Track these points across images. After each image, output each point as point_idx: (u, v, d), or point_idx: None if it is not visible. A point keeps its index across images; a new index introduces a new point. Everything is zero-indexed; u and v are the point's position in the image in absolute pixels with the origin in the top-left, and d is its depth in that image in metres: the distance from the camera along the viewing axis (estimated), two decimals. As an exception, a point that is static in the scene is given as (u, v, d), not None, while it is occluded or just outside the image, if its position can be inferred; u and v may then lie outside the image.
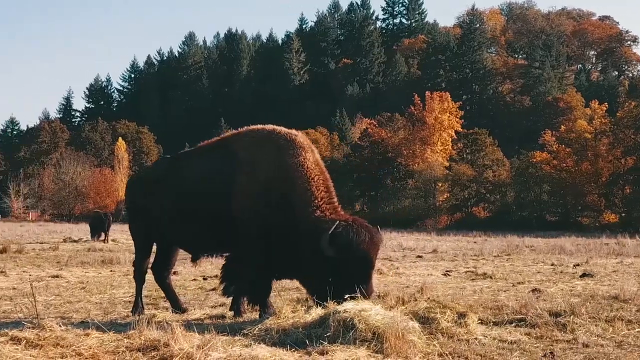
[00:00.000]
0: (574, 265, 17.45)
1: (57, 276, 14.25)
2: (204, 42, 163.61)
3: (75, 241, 31.86)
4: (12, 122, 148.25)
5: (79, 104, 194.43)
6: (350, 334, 6.38)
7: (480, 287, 12.41)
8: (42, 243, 28.53)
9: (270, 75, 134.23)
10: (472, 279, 13.94)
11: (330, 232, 7.88)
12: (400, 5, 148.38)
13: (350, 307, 6.77)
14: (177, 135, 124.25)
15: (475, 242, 33.24)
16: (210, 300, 10.67)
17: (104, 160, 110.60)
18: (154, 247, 10.14)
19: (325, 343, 6.25)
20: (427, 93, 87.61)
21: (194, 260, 10.01)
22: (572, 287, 12.37)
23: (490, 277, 14.07)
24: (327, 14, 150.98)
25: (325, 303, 7.34)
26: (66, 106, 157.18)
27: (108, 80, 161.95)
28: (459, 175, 76.95)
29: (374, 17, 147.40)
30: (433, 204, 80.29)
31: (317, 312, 7.06)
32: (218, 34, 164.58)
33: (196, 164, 9.60)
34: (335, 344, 6.22)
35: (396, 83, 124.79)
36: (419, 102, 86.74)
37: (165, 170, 10.06)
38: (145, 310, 9.56)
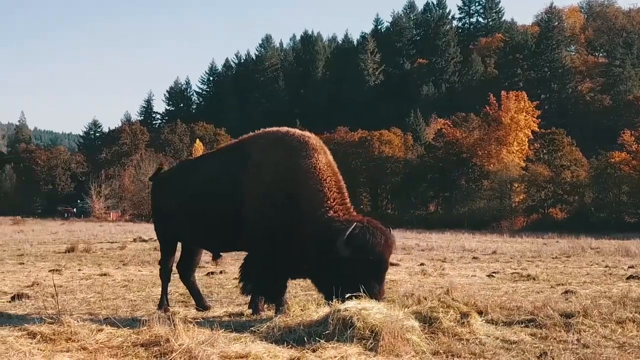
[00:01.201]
0: (628, 267, 17.05)
1: (105, 274, 14.67)
2: (281, 44, 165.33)
3: (144, 241, 32.51)
4: (95, 125, 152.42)
5: (160, 106, 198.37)
6: (348, 332, 6.45)
7: (515, 288, 12.29)
8: (112, 242, 29.31)
9: (345, 76, 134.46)
10: (515, 281, 13.78)
11: (347, 233, 7.93)
12: (477, 4, 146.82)
13: (351, 305, 6.83)
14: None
15: (545, 244, 32.63)
16: (241, 299, 10.85)
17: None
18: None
19: (322, 341, 6.33)
20: (503, 92, 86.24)
21: (214, 259, 10.29)
22: (609, 289, 12.12)
23: (533, 279, 13.88)
24: (403, 14, 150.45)
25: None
26: (147, 109, 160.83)
27: (187, 83, 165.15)
28: (536, 176, 75.64)
29: (450, 17, 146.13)
30: (509, 205, 79.03)
31: (323, 310, 7.13)
32: (294, 36, 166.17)
33: (211, 165, 9.83)
34: (332, 342, 6.31)
35: (472, 83, 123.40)
36: (495, 101, 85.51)
37: (182, 171, 10.37)
38: (170, 307, 9.80)
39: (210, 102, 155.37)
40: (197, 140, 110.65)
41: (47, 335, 6.52)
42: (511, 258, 21.04)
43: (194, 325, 6.81)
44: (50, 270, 16.00)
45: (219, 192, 9.15)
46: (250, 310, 9.17)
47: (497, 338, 6.96)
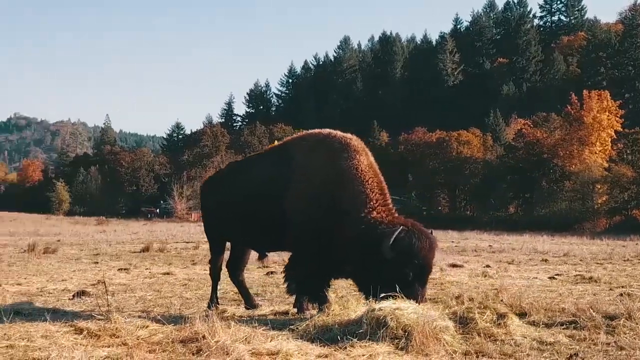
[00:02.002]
0: (702, 270, 16.53)
1: (168, 273, 15.02)
2: (359, 45, 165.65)
3: (219, 240, 32.97)
4: (178, 127, 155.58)
5: (240, 109, 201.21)
6: (381, 331, 6.50)
7: (572, 290, 12.08)
8: (188, 242, 29.86)
9: (424, 77, 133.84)
10: (575, 283, 13.53)
11: (394, 236, 7.97)
12: (559, 2, 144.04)
13: (385, 305, 6.87)
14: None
15: (623, 246, 31.79)
16: (291, 299, 10.98)
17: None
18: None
19: (355, 340, 6.40)
20: (585, 92, 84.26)
21: (260, 258, 10.48)
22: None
23: (595, 281, 13.60)
24: (483, 14, 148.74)
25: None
26: (227, 111, 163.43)
27: (267, 85, 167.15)
28: (619, 177, 73.63)
29: (530, 15, 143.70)
30: (591, 206, 77.15)
31: (361, 310, 7.19)
32: (372, 37, 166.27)
33: (256, 166, 10.01)
34: (364, 341, 6.37)
35: (554, 82, 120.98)
36: (576, 101, 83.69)
37: (230, 172, 10.59)
38: (220, 305, 10.01)
39: (289, 104, 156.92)
40: (276, 142, 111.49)
41: (93, 331, 6.80)
42: (581, 260, 20.63)
43: (235, 323, 6.97)
44: (119, 269, 16.52)
45: (263, 193, 9.30)
46: (295, 310, 9.30)
47: (534, 339, 6.89)
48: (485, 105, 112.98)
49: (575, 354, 6.27)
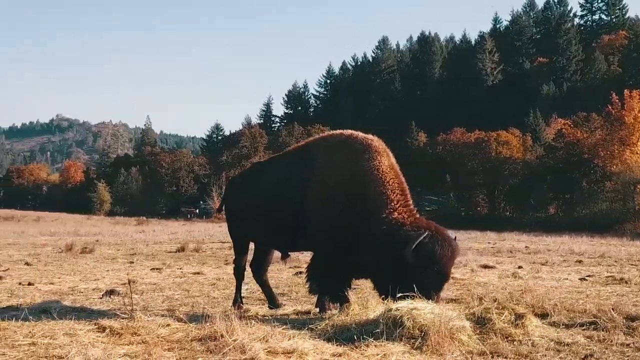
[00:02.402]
0: None
1: (198, 273, 15.17)
2: (397, 45, 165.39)
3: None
4: (217, 128, 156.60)
5: (278, 109, 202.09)
6: (397, 331, 6.54)
7: (600, 291, 11.97)
8: (224, 242, 30.03)
9: (463, 77, 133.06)
10: (606, 284, 13.38)
11: (418, 241, 7.98)
12: (599, 1, 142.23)
13: (402, 305, 6.90)
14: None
15: (665, 248, 31.30)
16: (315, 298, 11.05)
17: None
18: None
19: (370, 339, 6.44)
20: (626, 91, 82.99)
21: (283, 258, 10.60)
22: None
23: (626, 282, 13.43)
24: (522, 13, 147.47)
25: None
26: (266, 112, 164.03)
27: (305, 86, 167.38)
28: (661, 177, 72.57)
29: (571, 14, 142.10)
30: (632, 207, 76.01)
31: (380, 310, 7.22)
32: (411, 37, 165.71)
33: (278, 168, 10.07)
34: (379, 341, 6.41)
35: (595, 81, 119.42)
36: (617, 101, 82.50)
37: (253, 173, 10.70)
38: (244, 304, 10.10)
39: (326, 104, 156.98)
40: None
41: (116, 329, 6.93)
42: (615, 262, 20.37)
43: (256, 322, 7.07)
44: (151, 269, 16.74)
45: (285, 194, 9.37)
46: (317, 309, 9.37)
47: (552, 340, 6.88)
48: (524, 105, 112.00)
49: (590, 355, 6.25)
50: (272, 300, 10.26)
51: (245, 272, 10.65)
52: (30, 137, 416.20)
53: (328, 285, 8.93)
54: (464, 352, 6.28)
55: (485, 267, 16.53)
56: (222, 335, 6.30)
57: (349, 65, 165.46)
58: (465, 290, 11.67)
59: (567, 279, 14.43)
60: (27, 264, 18.70)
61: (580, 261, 20.53)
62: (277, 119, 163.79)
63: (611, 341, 6.87)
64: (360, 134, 9.53)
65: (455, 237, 8.57)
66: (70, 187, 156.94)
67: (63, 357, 5.81)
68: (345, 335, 6.70)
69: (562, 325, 7.76)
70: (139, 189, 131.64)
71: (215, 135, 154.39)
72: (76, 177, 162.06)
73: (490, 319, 7.06)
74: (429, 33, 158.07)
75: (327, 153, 9.32)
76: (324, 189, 8.95)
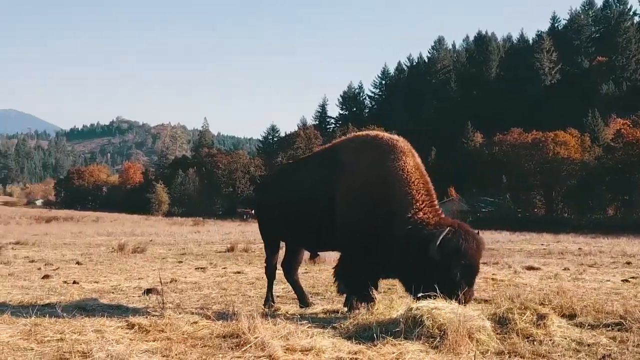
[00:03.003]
0: None
1: (239, 272, 15.33)
2: (453, 45, 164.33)
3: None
4: (273, 129, 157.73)
5: (334, 111, 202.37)
6: (417, 330, 6.58)
7: (638, 293, 11.77)
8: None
9: (520, 76, 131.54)
10: (647, 286, 13.18)
11: (441, 237, 8.03)
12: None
13: (423, 305, 6.93)
14: (425, 139, 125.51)
15: None
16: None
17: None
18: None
19: (390, 338, 6.49)
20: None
21: (311, 257, 10.71)
22: None
23: (669, 284, 13.25)
24: (581, 12, 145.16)
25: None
26: (321, 113, 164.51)
27: (360, 87, 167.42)
28: None
29: (631, 12, 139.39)
30: (693, 208, 74.44)
31: (403, 309, 7.26)
32: (467, 37, 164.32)
33: (305, 168, 10.21)
34: (398, 339, 6.46)
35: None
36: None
37: (282, 174, 10.84)
38: (274, 304, 10.21)
39: (381, 105, 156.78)
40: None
41: (144, 327, 7.10)
42: (666, 263, 20.00)
43: (282, 320, 7.19)
44: (196, 268, 17.02)
45: (312, 195, 9.47)
46: (345, 309, 9.42)
47: (573, 340, 6.83)
48: (582, 105, 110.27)
49: (607, 355, 6.22)
50: (302, 299, 10.38)
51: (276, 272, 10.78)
52: (91, 139, 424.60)
53: (354, 284, 8.99)
54: (481, 351, 6.29)
55: (530, 268, 16.36)
56: (243, 333, 6.42)
57: (404, 66, 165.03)
58: (501, 292, 11.59)
59: (609, 280, 14.21)
60: (78, 263, 19.13)
61: (629, 263, 20.19)
62: (332, 120, 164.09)
63: (634, 342, 6.80)
64: (386, 135, 9.59)
65: (479, 232, 8.58)
66: (130, 188, 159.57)
67: (87, 353, 5.99)
68: (366, 334, 6.76)
69: (588, 326, 7.71)
70: (196, 189, 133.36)
71: (271, 137, 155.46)
72: (135, 178, 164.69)
73: (512, 319, 7.05)
74: (486, 32, 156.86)
75: (353, 154, 9.40)
76: (350, 190, 9.02)
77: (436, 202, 8.90)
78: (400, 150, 9.13)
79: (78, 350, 6.09)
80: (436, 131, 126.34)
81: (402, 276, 8.69)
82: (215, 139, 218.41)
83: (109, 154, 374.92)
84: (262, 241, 11.20)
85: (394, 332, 6.63)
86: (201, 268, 17.10)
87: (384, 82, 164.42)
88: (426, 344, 6.34)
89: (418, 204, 8.67)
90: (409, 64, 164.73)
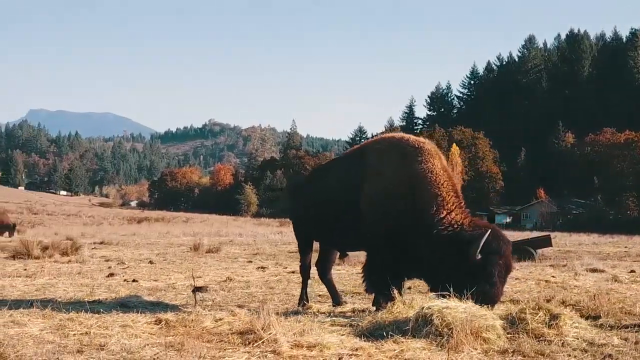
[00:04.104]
0: None
1: (292, 272, 15.51)
2: (544, 44, 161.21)
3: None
4: (360, 131, 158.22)
5: (421, 111, 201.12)
6: (426, 329, 6.65)
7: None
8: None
9: (613, 75, 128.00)
10: None
11: (484, 239, 8.12)
12: None
13: (435, 304, 6.99)
14: (514, 139, 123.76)
15: None
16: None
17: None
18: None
19: (398, 336, 6.59)
20: None
21: (341, 257, 10.86)
22: None
23: None
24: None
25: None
26: (409, 114, 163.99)
27: (448, 87, 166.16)
28: None
29: None
30: None
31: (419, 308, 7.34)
32: (559, 35, 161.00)
33: (334, 171, 10.35)
34: (405, 337, 6.57)
35: None
36: None
37: (312, 176, 11.01)
38: (307, 303, 10.36)
39: (470, 105, 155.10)
40: (454, 145, 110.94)
41: (171, 322, 7.37)
42: None
43: (304, 317, 7.36)
44: (257, 268, 17.38)
45: (340, 196, 9.61)
46: (374, 308, 9.51)
47: (585, 340, 6.77)
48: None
49: (609, 355, 6.20)
50: (334, 298, 10.53)
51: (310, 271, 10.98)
52: (184, 142, 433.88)
53: (378, 283, 9.07)
54: (486, 349, 6.33)
55: (594, 270, 16.00)
56: (257, 330, 6.62)
57: (493, 65, 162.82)
58: (543, 292, 11.45)
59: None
60: (150, 262, 19.75)
61: None
62: (420, 121, 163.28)
63: None
64: (412, 137, 9.65)
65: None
66: (220, 190, 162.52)
67: (103, 345, 6.31)
68: (378, 333, 6.85)
69: (608, 327, 7.69)
70: (284, 191, 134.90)
71: (358, 138, 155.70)
72: (225, 179, 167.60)
73: (524, 319, 7.05)
74: (578, 31, 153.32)
75: (379, 155, 9.48)
76: (376, 191, 9.11)
77: (464, 203, 8.97)
78: (427, 152, 9.19)
79: (96, 344, 6.41)
80: (526, 131, 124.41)
81: (429, 276, 8.77)
82: (304, 140, 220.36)
83: (201, 156, 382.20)
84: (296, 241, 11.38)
85: (404, 330, 6.73)
86: (262, 267, 17.44)
87: (472, 82, 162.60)
88: (432, 342, 6.41)
89: (449, 206, 8.74)
90: (498, 64, 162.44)
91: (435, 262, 8.47)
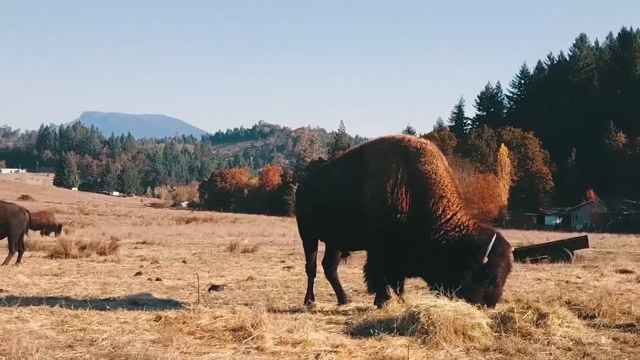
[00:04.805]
0: None
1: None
2: (596, 43, 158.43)
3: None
4: (409, 131, 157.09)
5: (471, 112, 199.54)
6: (412, 326, 6.72)
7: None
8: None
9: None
10: None
11: (492, 242, 8.18)
12: None
13: (423, 302, 7.04)
14: (565, 140, 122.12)
15: None
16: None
17: (489, 167, 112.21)
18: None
19: (384, 334, 6.67)
20: None
21: (343, 256, 10.95)
22: None
23: None
24: None
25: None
26: (458, 114, 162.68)
27: (498, 87, 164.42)
28: None
29: None
30: None
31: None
32: (611, 34, 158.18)
33: (335, 171, 10.41)
34: (392, 334, 6.66)
35: None
36: None
37: (314, 176, 11.09)
38: (312, 301, 10.45)
39: (520, 105, 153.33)
40: (502, 145, 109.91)
41: (170, 319, 7.52)
42: None
43: (303, 314, 7.46)
44: (284, 267, 17.55)
45: (342, 197, 9.66)
46: (375, 307, 9.55)
47: (572, 340, 6.78)
48: None
49: (587, 354, 6.24)
50: (339, 296, 10.62)
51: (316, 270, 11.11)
52: (235, 143, 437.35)
53: (377, 283, 9.12)
54: (468, 347, 6.38)
55: (623, 271, 15.73)
56: (248, 327, 6.76)
57: (544, 65, 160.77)
58: (555, 292, 11.35)
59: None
60: (183, 261, 20.05)
61: None
62: (469, 121, 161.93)
63: (634, 343, 6.73)
64: (413, 138, 9.65)
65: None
66: (268, 190, 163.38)
67: (94, 340, 6.51)
68: (367, 330, 6.93)
69: (602, 326, 7.70)
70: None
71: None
72: (274, 180, 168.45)
73: (512, 318, 7.08)
74: (630, 29, 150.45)
75: (380, 156, 9.46)
76: (378, 192, 9.08)
77: (466, 205, 9.00)
78: (430, 153, 9.19)
79: (88, 339, 6.61)
80: (577, 131, 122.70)
81: (432, 276, 8.77)
82: (353, 141, 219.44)
83: (251, 157, 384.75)
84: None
85: (391, 328, 6.81)
86: (289, 267, 17.59)
87: (523, 81, 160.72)
88: (417, 340, 6.48)
89: (454, 207, 8.76)
90: (549, 63, 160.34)
91: (440, 263, 8.49)
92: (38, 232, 38.51)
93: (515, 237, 41.92)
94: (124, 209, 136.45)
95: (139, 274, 15.28)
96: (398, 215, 8.85)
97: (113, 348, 6.21)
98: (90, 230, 54.00)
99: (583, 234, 36.46)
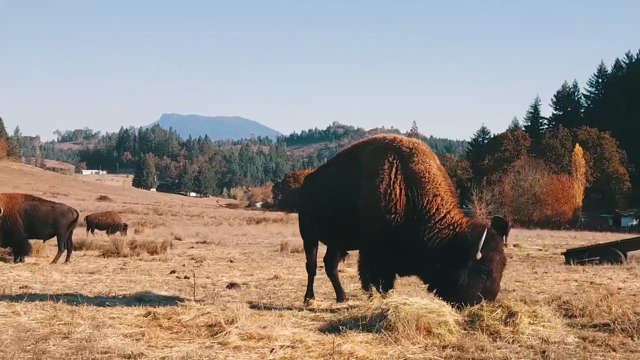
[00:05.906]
0: None
1: (340, 271, 15.51)
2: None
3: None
4: (483, 132, 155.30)
5: (547, 111, 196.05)
6: (379, 323, 6.84)
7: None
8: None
9: None
10: None
11: (484, 237, 8.19)
12: None
13: (392, 300, 7.13)
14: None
15: None
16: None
17: (564, 167, 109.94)
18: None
19: (352, 330, 6.81)
20: None
21: (340, 255, 11.09)
22: None
23: None
24: None
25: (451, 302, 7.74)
26: (533, 114, 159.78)
27: (575, 86, 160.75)
28: None
29: None
30: None
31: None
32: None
33: (331, 172, 10.52)
34: (358, 331, 6.79)
35: None
36: None
37: (313, 177, 11.19)
38: (311, 299, 10.56)
39: (598, 104, 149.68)
40: (577, 146, 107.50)
41: (158, 315, 7.76)
42: None
43: (300, 310, 7.60)
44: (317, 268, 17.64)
45: (336, 197, 9.76)
46: (366, 304, 9.61)
47: (539, 338, 6.82)
48: None
49: (542, 352, 6.26)
50: (338, 294, 10.75)
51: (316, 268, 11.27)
52: (309, 144, 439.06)
53: (370, 281, 9.17)
54: (427, 344, 6.44)
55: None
56: (222, 323, 6.95)
57: (622, 63, 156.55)
58: (569, 292, 11.24)
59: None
60: (230, 261, 20.38)
61: None
62: (545, 121, 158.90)
63: (602, 342, 6.74)
64: (405, 138, 9.69)
65: None
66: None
67: (69, 333, 6.80)
68: (337, 327, 7.06)
69: (580, 326, 7.72)
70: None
71: (481, 139, 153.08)
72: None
73: (481, 316, 7.11)
74: None
75: (373, 156, 9.49)
76: (372, 191, 9.11)
77: (458, 203, 9.05)
78: (422, 152, 9.25)
79: (63, 332, 6.90)
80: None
81: (428, 274, 8.83)
82: (427, 142, 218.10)
83: (325, 158, 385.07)
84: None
85: (361, 325, 6.92)
86: (321, 267, 17.63)
87: (600, 80, 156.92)
88: (383, 337, 6.57)
89: (448, 205, 8.82)
90: (627, 61, 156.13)
91: (435, 261, 8.54)
92: (104, 231, 39.65)
93: (585, 239, 41.19)
94: (198, 209, 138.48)
95: (172, 272, 15.61)
96: (393, 216, 8.90)
97: (85, 341, 6.47)
98: (160, 230, 55.01)
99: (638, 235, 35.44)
